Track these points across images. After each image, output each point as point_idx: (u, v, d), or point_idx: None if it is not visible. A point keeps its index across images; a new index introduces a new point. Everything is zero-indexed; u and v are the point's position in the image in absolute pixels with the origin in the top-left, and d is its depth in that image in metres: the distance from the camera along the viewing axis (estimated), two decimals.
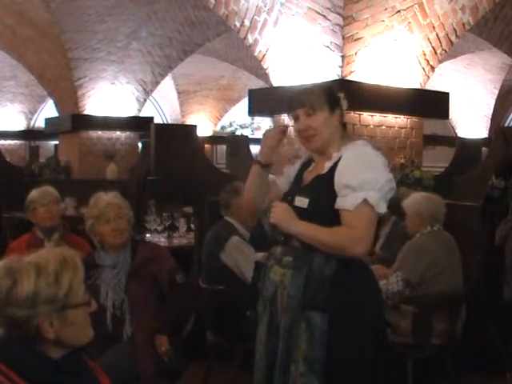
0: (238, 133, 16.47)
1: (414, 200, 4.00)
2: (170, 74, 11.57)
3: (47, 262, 1.68)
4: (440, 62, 6.29)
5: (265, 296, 2.48)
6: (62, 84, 9.75)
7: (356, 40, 5.46)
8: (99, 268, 3.17)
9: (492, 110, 13.80)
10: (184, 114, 16.02)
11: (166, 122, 15.90)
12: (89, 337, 1.76)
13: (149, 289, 3.15)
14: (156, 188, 7.00)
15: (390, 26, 5.56)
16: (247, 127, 17.23)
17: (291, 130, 2.65)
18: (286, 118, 5.86)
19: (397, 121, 5.95)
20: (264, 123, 16.93)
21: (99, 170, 9.48)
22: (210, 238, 4.07)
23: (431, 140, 11.85)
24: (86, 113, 9.74)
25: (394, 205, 4.44)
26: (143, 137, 10.16)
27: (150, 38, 9.45)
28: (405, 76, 5.86)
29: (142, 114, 10.44)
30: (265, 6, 5.77)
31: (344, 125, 2.52)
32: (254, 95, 6.49)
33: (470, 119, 14.04)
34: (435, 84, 10.05)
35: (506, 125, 14.88)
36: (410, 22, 5.64)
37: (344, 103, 2.50)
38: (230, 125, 17.20)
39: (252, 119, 16.85)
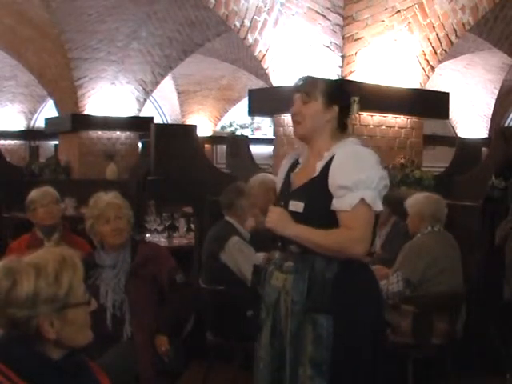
0: (238, 133, 16.46)
1: (415, 200, 4.00)
2: (170, 74, 11.56)
3: (46, 262, 1.68)
4: (440, 62, 6.29)
5: (267, 302, 2.46)
6: (62, 84, 9.75)
7: (356, 40, 5.47)
8: (99, 268, 3.17)
9: (492, 110, 13.79)
10: (184, 114, 16.01)
11: (165, 122, 15.89)
12: (88, 338, 1.76)
13: (149, 289, 3.15)
14: (156, 188, 7.00)
15: (389, 26, 5.56)
16: (247, 127, 17.22)
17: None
18: (285, 118, 5.86)
19: (397, 121, 5.95)
20: (264, 123, 16.94)
21: (99, 170, 9.48)
22: (210, 237, 4.07)
23: (431, 140, 11.84)
24: (86, 113, 9.74)
25: (395, 205, 4.46)
26: (143, 137, 10.16)
27: (150, 38, 9.45)
28: (405, 76, 5.86)
29: (142, 114, 10.44)
30: (265, 6, 5.77)
31: (343, 125, 2.49)
32: (254, 95, 6.49)
33: (470, 119, 14.04)
34: (435, 84, 10.05)
35: (506, 125, 14.87)
36: (410, 22, 5.64)
37: (355, 107, 2.49)
38: (230, 125, 17.19)
39: (252, 119, 16.84)
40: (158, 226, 5.69)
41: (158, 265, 3.21)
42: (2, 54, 11.10)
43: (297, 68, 5.77)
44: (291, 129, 2.54)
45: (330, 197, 2.31)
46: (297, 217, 2.35)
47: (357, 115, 5.60)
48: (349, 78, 5.50)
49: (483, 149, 10.72)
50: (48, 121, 11.04)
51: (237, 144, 10.34)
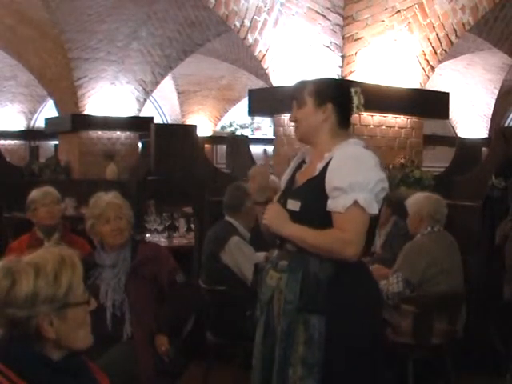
0: (238, 133, 16.46)
1: (415, 200, 4.00)
2: (170, 74, 11.57)
3: (46, 262, 1.68)
4: (440, 62, 6.30)
5: (262, 301, 2.47)
6: (61, 84, 9.76)
7: (356, 40, 5.47)
8: (99, 268, 3.17)
9: (492, 110, 13.79)
10: (184, 113, 16.02)
11: (165, 122, 15.89)
12: (89, 341, 1.76)
13: (149, 289, 3.15)
14: (156, 188, 7.00)
15: (390, 26, 5.56)
16: (247, 127, 17.23)
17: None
18: (285, 118, 5.86)
19: (397, 121, 5.95)
20: (264, 123, 16.94)
21: (99, 170, 9.48)
22: (210, 238, 4.07)
23: (431, 140, 11.83)
24: (86, 113, 9.74)
25: (395, 205, 4.46)
26: (143, 137, 10.16)
27: (150, 38, 9.45)
28: (405, 76, 5.87)
29: (142, 114, 10.44)
30: (265, 6, 5.77)
31: (345, 122, 2.49)
32: (254, 95, 6.49)
33: (470, 119, 14.04)
34: (435, 84, 10.05)
35: (506, 125, 14.87)
36: (410, 22, 5.64)
37: (357, 98, 2.48)
38: (230, 125, 17.20)
39: (252, 119, 16.85)
40: (158, 226, 5.69)
41: (158, 265, 3.21)
42: (1, 54, 11.10)
43: (297, 68, 5.77)
44: (291, 129, 2.55)
45: (326, 197, 2.31)
46: (294, 216, 2.35)
47: (357, 115, 5.61)
48: (349, 77, 5.50)
49: (483, 149, 10.73)
50: (48, 121, 11.04)
51: (237, 144, 10.35)
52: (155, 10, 8.90)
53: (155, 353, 3.03)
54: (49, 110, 14.20)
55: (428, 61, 5.97)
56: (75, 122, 9.74)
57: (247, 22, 5.94)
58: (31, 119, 15.81)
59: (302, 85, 2.51)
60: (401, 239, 4.18)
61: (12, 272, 1.66)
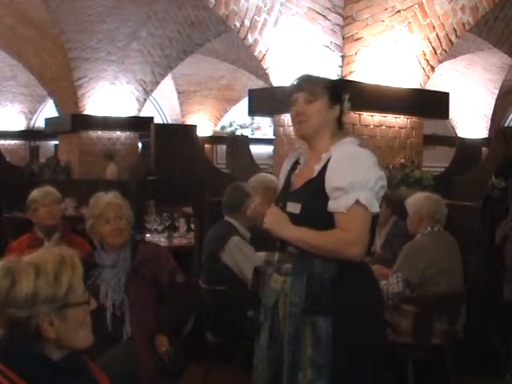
0: (238, 133, 16.46)
1: (415, 200, 4.00)
2: (170, 74, 11.56)
3: (46, 262, 1.68)
4: (440, 62, 6.30)
5: (266, 305, 2.45)
6: (62, 84, 9.75)
7: (356, 40, 5.47)
8: (99, 268, 3.17)
9: (492, 110, 13.79)
10: (184, 113, 16.02)
11: (165, 122, 15.89)
12: (89, 340, 1.76)
13: (149, 289, 3.15)
14: (156, 188, 7.00)
15: (390, 26, 5.56)
16: (247, 127, 17.22)
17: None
18: (285, 118, 5.86)
19: (397, 121, 5.95)
20: (264, 123, 16.94)
21: (99, 170, 9.47)
22: (209, 238, 4.07)
23: (431, 140, 11.83)
24: (86, 113, 9.74)
25: (395, 205, 4.46)
26: (143, 137, 10.15)
27: (150, 38, 9.45)
28: (405, 76, 5.87)
29: (142, 114, 10.44)
30: (265, 6, 5.77)
31: (340, 124, 2.48)
32: (254, 95, 6.49)
33: (470, 119, 14.04)
34: (435, 84, 10.05)
35: (506, 125, 14.87)
36: (410, 22, 5.64)
37: (347, 104, 2.47)
38: (230, 125, 17.20)
39: (252, 119, 16.85)
40: (158, 226, 5.69)
41: (158, 265, 3.21)
42: (1, 54, 11.10)
43: (297, 68, 5.77)
44: (291, 129, 2.53)
45: (326, 198, 2.30)
46: (294, 218, 2.34)
47: (357, 115, 5.62)
48: (349, 78, 5.50)
49: (483, 149, 10.73)
50: (48, 121, 11.04)
51: (237, 144, 10.35)
52: (155, 10, 8.90)
53: (155, 353, 3.03)
54: (49, 110, 14.20)
55: (428, 61, 5.97)
56: (75, 122, 9.74)
57: (247, 22, 5.94)
58: (31, 119, 15.80)
59: (317, 79, 2.47)
60: (401, 239, 4.18)
61: (12, 272, 1.66)
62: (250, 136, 14.85)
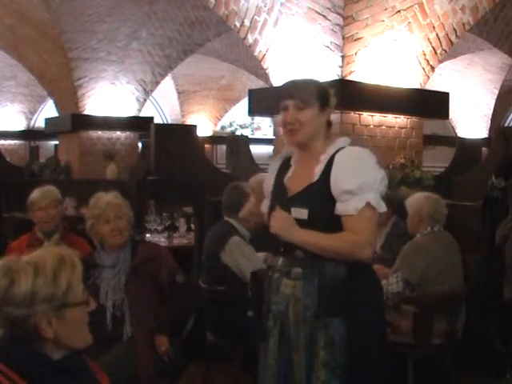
0: (238, 133, 16.47)
1: (415, 200, 4.00)
2: (170, 74, 11.57)
3: (45, 261, 1.68)
4: (440, 62, 6.30)
5: (275, 311, 2.42)
6: (61, 84, 9.76)
7: (356, 40, 5.47)
8: (99, 268, 3.17)
9: (492, 110, 13.79)
10: (184, 113, 16.02)
11: (165, 122, 15.90)
12: (87, 341, 1.76)
13: (149, 289, 3.15)
14: (156, 188, 7.01)
15: (390, 26, 5.57)
16: (247, 127, 17.23)
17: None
18: None
19: (397, 121, 5.96)
20: (264, 123, 16.94)
21: (99, 170, 9.47)
22: (209, 238, 4.07)
23: (431, 140, 11.85)
24: (86, 113, 9.74)
25: (395, 205, 4.46)
26: (143, 137, 10.17)
27: (149, 38, 9.45)
28: (405, 76, 5.87)
29: (142, 114, 10.44)
30: (265, 6, 5.77)
31: (329, 124, 2.46)
32: (254, 95, 6.50)
33: (470, 119, 14.04)
34: (435, 84, 10.05)
35: (506, 125, 14.88)
36: (410, 22, 5.64)
37: (333, 100, 2.44)
38: (230, 125, 17.20)
39: (252, 119, 16.86)
40: (158, 226, 5.69)
41: (158, 265, 3.21)
42: (1, 54, 11.11)
43: (297, 68, 5.77)
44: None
45: (332, 201, 2.29)
46: (301, 224, 2.31)
47: (357, 115, 5.62)
48: (349, 78, 5.50)
49: (483, 149, 10.74)
50: (48, 121, 11.04)
51: (237, 144, 10.36)
52: (155, 10, 8.90)
53: (155, 353, 3.03)
54: (49, 110, 14.21)
55: (428, 61, 5.97)
56: (75, 122, 9.74)
57: (247, 22, 5.95)
58: (31, 119, 15.81)
59: (307, 85, 2.42)
60: (401, 239, 4.18)
61: (11, 271, 1.66)
62: (250, 136, 14.87)
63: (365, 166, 2.30)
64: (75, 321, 1.71)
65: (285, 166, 2.51)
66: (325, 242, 2.28)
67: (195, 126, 9.12)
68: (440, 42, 5.94)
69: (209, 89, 15.66)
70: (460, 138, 12.85)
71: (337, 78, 5.48)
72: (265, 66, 6.10)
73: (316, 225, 2.29)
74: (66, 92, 9.73)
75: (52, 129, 10.74)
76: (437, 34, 5.87)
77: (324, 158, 2.35)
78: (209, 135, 16.20)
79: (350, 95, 5.39)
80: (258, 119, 16.64)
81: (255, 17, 5.88)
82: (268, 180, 2.56)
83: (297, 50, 5.74)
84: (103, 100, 9.77)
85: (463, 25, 5.96)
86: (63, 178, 9.49)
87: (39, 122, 14.94)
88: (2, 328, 1.69)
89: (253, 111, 6.60)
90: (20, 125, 15.72)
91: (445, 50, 6.04)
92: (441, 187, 5.26)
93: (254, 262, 3.77)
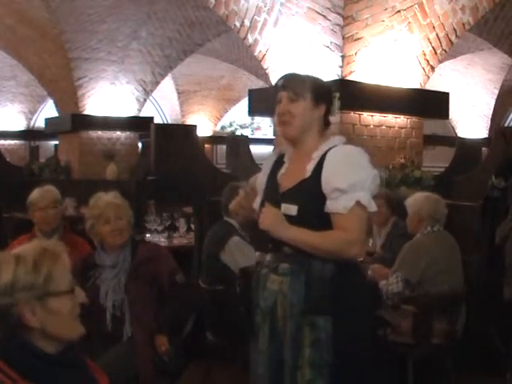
0: (238, 133, 16.47)
1: (414, 200, 4.00)
2: (169, 74, 11.56)
3: (27, 253, 1.73)
4: (440, 62, 6.30)
5: (263, 307, 2.42)
6: (62, 84, 9.75)
7: (356, 40, 5.47)
8: (99, 268, 3.17)
9: (492, 110, 13.79)
10: (184, 113, 16.01)
11: (165, 122, 15.90)
12: (78, 331, 1.77)
13: (149, 289, 3.15)
14: (156, 188, 7.01)
15: (390, 26, 5.56)
16: (247, 127, 17.23)
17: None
18: None
19: (397, 121, 5.95)
20: (264, 123, 16.94)
21: (99, 170, 9.47)
22: (209, 238, 4.07)
23: (431, 140, 11.84)
24: (86, 113, 9.74)
25: (395, 205, 4.46)
26: (143, 137, 10.17)
27: (149, 38, 9.45)
28: (405, 76, 5.87)
29: (142, 114, 10.44)
30: (265, 6, 5.77)
31: (327, 123, 2.46)
32: (254, 95, 6.50)
33: (470, 119, 14.04)
34: (435, 84, 10.04)
35: (506, 125, 14.88)
36: (410, 22, 5.64)
37: (337, 103, 2.47)
38: (230, 125, 17.20)
39: (252, 119, 16.85)
40: (158, 226, 5.69)
41: (158, 265, 3.21)
42: (1, 54, 11.10)
43: (297, 68, 5.76)
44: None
45: (323, 198, 2.29)
46: (290, 220, 2.31)
47: (357, 115, 5.62)
48: (349, 78, 5.50)
49: (483, 149, 10.74)
50: (48, 121, 11.04)
51: (237, 144, 10.36)
52: (155, 10, 8.90)
53: (155, 353, 3.03)
54: (49, 110, 14.20)
55: (428, 61, 5.97)
56: (75, 122, 9.74)
57: (247, 22, 5.95)
58: (31, 119, 15.81)
59: (301, 78, 2.44)
60: (401, 239, 4.18)
61: None
62: (250, 136, 14.86)
63: (356, 164, 2.30)
64: (61, 310, 1.72)
65: (278, 163, 2.51)
66: (314, 239, 2.28)
67: (195, 125, 9.12)
68: (440, 42, 5.94)
69: (209, 89, 15.66)
70: (460, 138, 12.85)
71: (337, 77, 5.48)
72: (265, 66, 6.10)
73: (305, 222, 2.29)
74: (66, 92, 9.73)
75: (52, 129, 10.74)
76: (437, 34, 5.87)
77: (316, 156, 2.35)
78: (209, 135, 16.19)
79: (350, 95, 5.38)
80: (257, 119, 16.64)
81: (255, 17, 5.88)
82: (261, 177, 2.56)
83: (297, 50, 5.74)
84: (103, 100, 9.77)
85: (463, 25, 5.96)
86: (63, 178, 9.49)
87: (39, 122, 14.94)
88: None
89: (253, 111, 6.60)
90: (20, 125, 15.72)
91: (445, 50, 6.04)
92: (441, 187, 5.26)
93: (253, 262, 3.76)
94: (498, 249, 4.22)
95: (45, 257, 1.72)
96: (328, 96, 2.45)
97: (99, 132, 10.03)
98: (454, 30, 5.94)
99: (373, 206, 2.30)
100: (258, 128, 17.27)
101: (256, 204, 2.53)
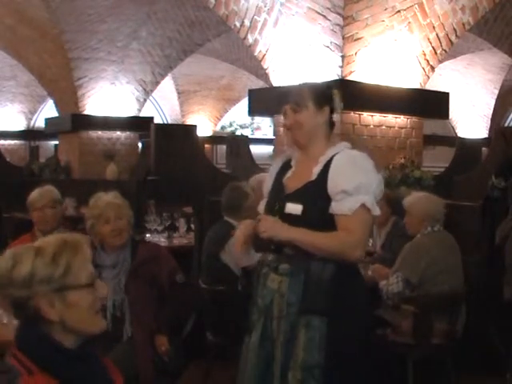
0: (238, 133, 16.47)
1: (413, 200, 4.00)
2: (170, 74, 11.57)
3: (47, 245, 1.71)
4: (440, 62, 6.30)
5: (260, 305, 2.44)
6: (62, 84, 9.76)
7: (356, 40, 5.47)
8: (99, 268, 3.17)
9: (492, 110, 13.79)
10: (184, 113, 16.02)
11: (165, 122, 15.90)
12: (100, 326, 1.76)
13: (149, 289, 3.15)
14: (156, 188, 7.01)
15: (390, 26, 5.57)
16: (247, 127, 17.23)
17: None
18: None
19: (397, 121, 5.96)
20: (264, 123, 16.94)
21: (99, 170, 9.48)
22: (209, 237, 4.07)
23: (431, 140, 11.85)
24: (86, 113, 9.74)
25: (395, 205, 4.46)
26: (143, 137, 10.16)
27: (149, 38, 9.45)
28: (405, 76, 5.87)
29: (142, 114, 10.44)
30: (265, 6, 5.77)
31: (331, 125, 2.51)
32: (253, 95, 6.50)
33: (470, 119, 14.04)
34: (435, 84, 10.04)
35: (506, 125, 14.88)
36: (410, 22, 5.64)
37: (338, 103, 2.50)
38: (230, 125, 17.20)
39: (252, 119, 16.85)
40: (158, 226, 5.68)
41: (158, 265, 3.21)
42: (1, 54, 11.10)
43: (297, 68, 5.77)
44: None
45: (327, 200, 2.33)
46: (294, 219, 2.35)
47: (357, 115, 5.62)
48: (349, 78, 5.50)
49: (483, 149, 10.73)
50: (48, 121, 11.05)
51: (237, 144, 10.36)
52: (155, 10, 8.90)
53: (155, 353, 3.03)
54: (49, 110, 14.21)
55: (428, 61, 5.97)
56: (75, 122, 9.75)
57: (247, 22, 5.95)
58: (31, 119, 15.81)
59: (300, 89, 2.54)
60: (401, 239, 4.18)
61: (15, 254, 1.70)
62: (250, 136, 14.86)
63: (362, 168, 2.35)
64: (80, 304, 1.70)
65: (285, 167, 2.56)
66: (317, 239, 2.31)
67: (195, 125, 9.11)
68: (440, 42, 5.94)
69: (209, 89, 15.66)
70: (460, 138, 12.85)
71: (337, 77, 5.48)
72: (265, 66, 6.10)
73: (309, 222, 2.32)
74: (66, 92, 9.73)
75: (52, 129, 10.74)
76: (437, 34, 5.87)
77: (323, 159, 2.40)
78: (209, 135, 16.19)
79: (350, 95, 5.37)
80: (257, 119, 16.64)
81: (255, 17, 5.88)
82: (267, 181, 2.61)
83: (297, 50, 5.73)
84: (103, 100, 9.77)
85: (463, 25, 5.96)
86: (63, 178, 9.49)
87: (39, 122, 14.94)
88: (6, 309, 1.72)
89: (253, 111, 6.60)
90: (20, 125, 15.72)
91: (445, 50, 6.04)
92: (441, 187, 5.26)
93: (254, 262, 3.76)
94: (498, 249, 4.22)
95: (65, 249, 1.70)
96: (329, 97, 2.50)
97: (99, 132, 10.04)
98: (454, 30, 5.94)
99: (377, 210, 2.34)
100: (258, 128, 17.27)
101: (261, 208, 2.58)
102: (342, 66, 5.47)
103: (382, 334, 3.72)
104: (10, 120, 15.47)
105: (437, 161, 11.20)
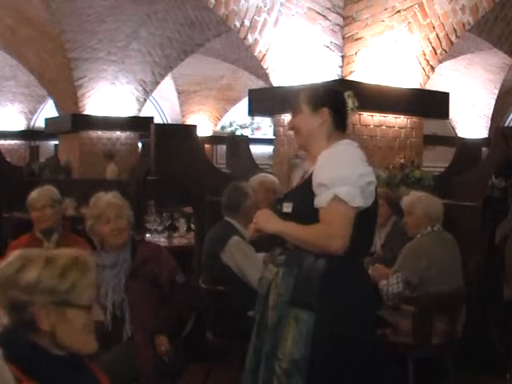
0: (238, 133, 16.46)
1: (413, 200, 4.00)
2: (170, 74, 11.57)
3: (59, 258, 1.73)
4: (440, 62, 6.29)
5: (260, 294, 2.51)
6: (62, 84, 9.76)
7: (356, 40, 5.47)
8: (99, 268, 3.17)
9: (492, 110, 13.79)
10: (184, 113, 16.01)
11: (165, 122, 15.90)
12: (90, 347, 1.77)
13: (149, 289, 3.15)
14: (156, 188, 7.00)
15: (390, 26, 5.56)
16: (247, 127, 17.22)
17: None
18: (285, 118, 5.86)
19: (397, 121, 5.95)
20: (264, 123, 16.93)
21: (99, 170, 9.48)
22: (209, 238, 4.07)
23: (431, 140, 11.84)
24: (86, 113, 9.74)
25: (395, 205, 4.46)
26: (143, 137, 10.15)
27: (149, 38, 9.45)
28: (405, 76, 5.86)
29: (142, 114, 10.44)
30: (265, 6, 5.77)
31: (342, 126, 2.54)
32: (253, 95, 6.49)
33: (470, 119, 14.04)
34: (435, 84, 10.04)
35: (506, 125, 14.87)
36: (410, 22, 5.64)
37: (351, 101, 2.58)
38: (230, 125, 17.20)
39: (252, 119, 16.85)
40: (158, 226, 5.69)
41: (158, 265, 3.21)
42: (2, 54, 11.10)
43: (297, 68, 5.77)
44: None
45: (314, 196, 2.39)
46: (287, 217, 2.43)
47: (357, 115, 5.61)
48: (349, 78, 5.50)
49: (483, 149, 10.72)
50: (48, 121, 11.04)
51: (237, 144, 10.34)
52: (155, 10, 8.90)
53: (155, 353, 3.03)
54: (49, 110, 14.20)
55: (428, 61, 5.97)
56: (75, 122, 9.75)
57: (247, 22, 5.94)
58: (31, 119, 15.80)
59: (296, 94, 2.61)
60: (401, 239, 4.18)
61: (26, 257, 1.72)
62: (250, 136, 14.84)
63: (343, 161, 2.39)
64: (75, 322, 1.72)
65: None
66: (298, 231, 2.39)
67: (195, 125, 9.08)
68: (440, 42, 5.94)
69: (209, 89, 15.66)
70: (460, 138, 12.86)
71: (337, 77, 5.47)
72: (265, 66, 6.10)
73: (299, 218, 2.40)
74: (66, 92, 9.73)
75: (52, 129, 10.74)
76: (437, 34, 5.87)
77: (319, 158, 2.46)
78: (209, 135, 16.19)
79: (352, 92, 5.37)
80: (258, 119, 16.64)
81: (255, 17, 5.87)
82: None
83: (297, 50, 5.73)
84: (103, 100, 9.77)
85: (463, 25, 5.96)
86: (63, 178, 9.48)
87: (39, 122, 14.93)
88: (3, 309, 1.73)
89: (253, 111, 6.60)
90: (20, 125, 15.71)
91: (445, 50, 6.04)
92: (441, 187, 5.26)
93: (253, 262, 3.76)
94: (498, 249, 4.22)
95: (75, 266, 1.73)
96: (328, 98, 2.55)
97: (99, 132, 10.04)
98: (454, 30, 5.94)
99: (358, 201, 2.33)
100: (258, 128, 17.27)
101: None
102: (341, 66, 5.46)
103: (382, 333, 3.71)
104: (10, 120, 15.46)
105: (437, 161, 11.19)
